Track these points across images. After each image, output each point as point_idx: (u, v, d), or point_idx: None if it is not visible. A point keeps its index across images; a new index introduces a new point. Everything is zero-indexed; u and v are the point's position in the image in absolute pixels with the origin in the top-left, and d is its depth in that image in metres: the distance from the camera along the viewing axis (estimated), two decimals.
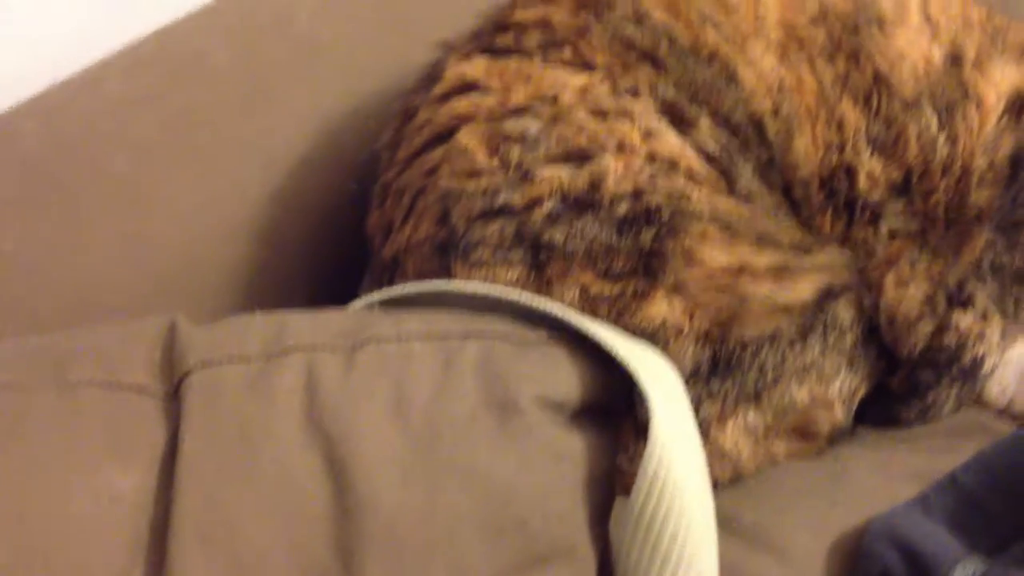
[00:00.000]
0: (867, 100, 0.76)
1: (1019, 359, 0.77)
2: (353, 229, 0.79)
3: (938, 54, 0.77)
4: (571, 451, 0.59)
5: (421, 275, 0.70)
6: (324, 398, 0.55)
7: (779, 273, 0.70)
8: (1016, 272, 0.77)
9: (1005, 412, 0.77)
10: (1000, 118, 0.76)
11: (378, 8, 0.92)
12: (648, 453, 0.56)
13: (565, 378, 0.60)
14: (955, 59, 0.77)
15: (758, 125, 0.74)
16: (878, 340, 0.75)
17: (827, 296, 0.71)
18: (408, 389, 0.57)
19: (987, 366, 0.76)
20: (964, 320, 0.75)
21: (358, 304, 0.69)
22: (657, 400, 0.58)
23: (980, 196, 0.76)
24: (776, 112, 0.74)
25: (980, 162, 0.76)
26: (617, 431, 0.63)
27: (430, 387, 0.57)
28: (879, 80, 0.76)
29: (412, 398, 0.56)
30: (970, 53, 0.78)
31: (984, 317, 0.76)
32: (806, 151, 0.74)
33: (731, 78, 0.74)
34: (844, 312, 0.72)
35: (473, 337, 0.61)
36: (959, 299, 0.75)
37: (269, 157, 0.84)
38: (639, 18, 0.75)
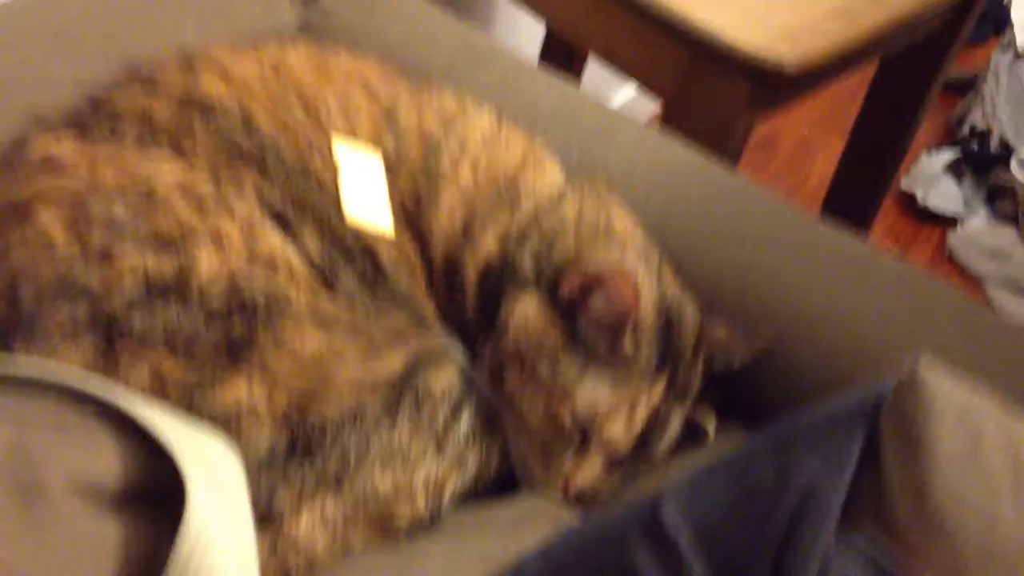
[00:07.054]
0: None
1: None
2: None
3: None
4: (103, 538, 0.56)
5: None
6: None
7: (368, 354, 0.70)
8: None
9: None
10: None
11: None
12: (181, 536, 0.54)
13: (105, 461, 0.57)
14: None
15: (372, 254, 0.76)
16: None
17: (416, 363, 0.71)
18: None
19: None
20: None
21: None
22: (196, 481, 0.56)
23: None
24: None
25: None
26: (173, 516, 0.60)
27: None
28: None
29: None
30: None
31: None
32: None
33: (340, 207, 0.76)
34: (436, 379, 0.72)
35: (6, 422, 0.57)
36: None
37: None
38: (248, 129, 0.75)
